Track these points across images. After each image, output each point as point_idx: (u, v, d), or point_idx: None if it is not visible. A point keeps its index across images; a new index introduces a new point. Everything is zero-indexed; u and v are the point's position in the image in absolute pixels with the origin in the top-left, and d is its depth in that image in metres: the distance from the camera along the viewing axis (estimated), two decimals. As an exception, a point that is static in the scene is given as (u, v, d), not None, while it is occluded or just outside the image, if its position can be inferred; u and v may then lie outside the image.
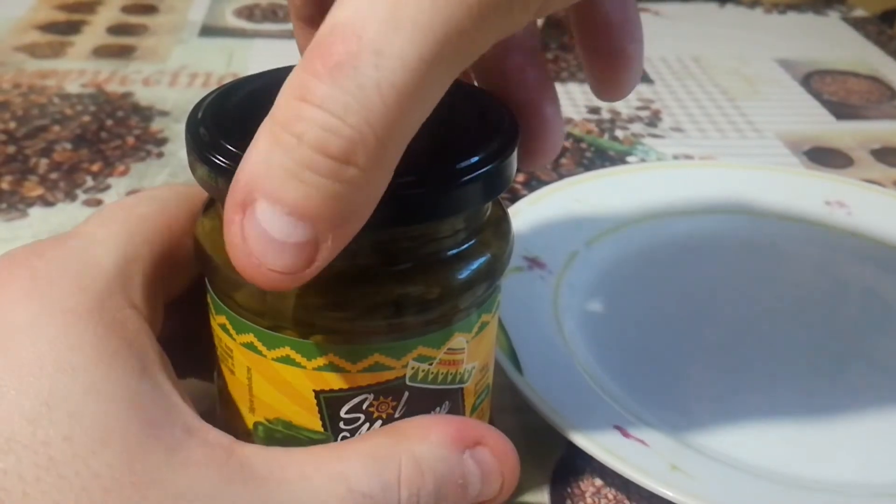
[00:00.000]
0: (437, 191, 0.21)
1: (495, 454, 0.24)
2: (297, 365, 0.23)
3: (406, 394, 0.24)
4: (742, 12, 0.82)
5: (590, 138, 0.57)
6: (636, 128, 0.59)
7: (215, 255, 0.23)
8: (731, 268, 0.44)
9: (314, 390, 0.23)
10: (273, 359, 0.23)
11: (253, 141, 0.18)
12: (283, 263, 0.18)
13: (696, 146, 0.56)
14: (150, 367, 0.21)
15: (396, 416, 0.24)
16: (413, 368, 0.24)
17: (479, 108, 0.25)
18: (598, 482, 0.32)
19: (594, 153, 0.55)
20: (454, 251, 0.24)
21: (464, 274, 0.24)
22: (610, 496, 0.31)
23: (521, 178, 0.51)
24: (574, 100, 0.62)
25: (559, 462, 0.32)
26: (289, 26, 0.69)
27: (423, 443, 0.23)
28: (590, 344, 0.37)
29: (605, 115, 0.60)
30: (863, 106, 0.64)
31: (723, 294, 0.42)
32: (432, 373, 0.24)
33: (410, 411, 0.24)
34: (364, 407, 0.24)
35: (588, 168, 0.52)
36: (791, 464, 0.32)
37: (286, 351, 0.23)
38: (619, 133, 0.58)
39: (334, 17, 0.17)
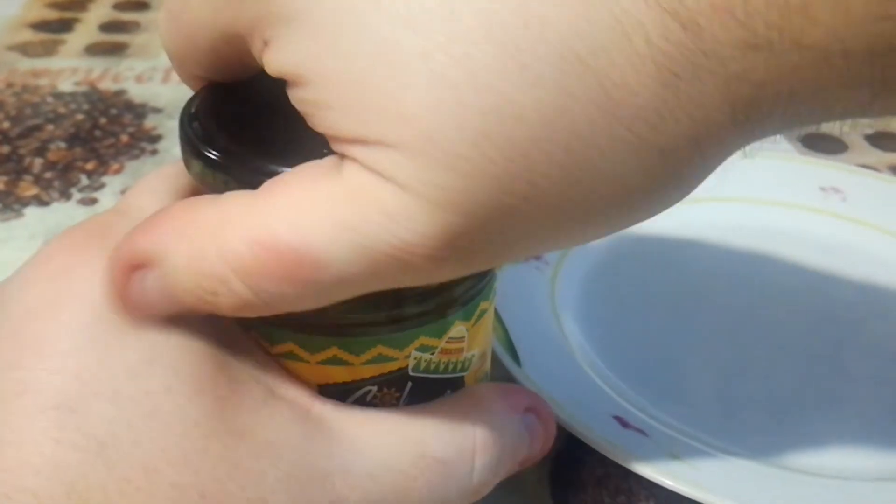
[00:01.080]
0: None
1: (541, 419, 0.26)
2: (300, 360, 0.23)
3: (409, 384, 0.24)
4: None
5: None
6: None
7: None
8: (726, 256, 0.44)
9: (318, 384, 0.23)
10: (276, 354, 0.23)
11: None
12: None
13: (691, 134, 0.56)
14: (232, 330, 0.22)
15: (400, 406, 0.25)
16: (416, 359, 0.24)
17: None
18: (599, 472, 0.32)
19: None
20: None
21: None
22: (611, 486, 0.31)
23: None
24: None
25: (559, 453, 0.33)
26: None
27: (492, 410, 0.24)
28: (587, 334, 0.38)
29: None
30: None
31: (718, 282, 0.42)
32: (434, 362, 0.24)
33: (413, 401, 0.24)
34: (368, 399, 0.24)
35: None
36: (790, 450, 0.32)
37: (290, 346, 0.23)
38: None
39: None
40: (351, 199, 0.17)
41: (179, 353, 0.21)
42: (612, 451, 0.30)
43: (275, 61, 0.19)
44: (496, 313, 0.36)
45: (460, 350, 0.25)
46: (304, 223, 0.18)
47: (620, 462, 0.29)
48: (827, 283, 0.43)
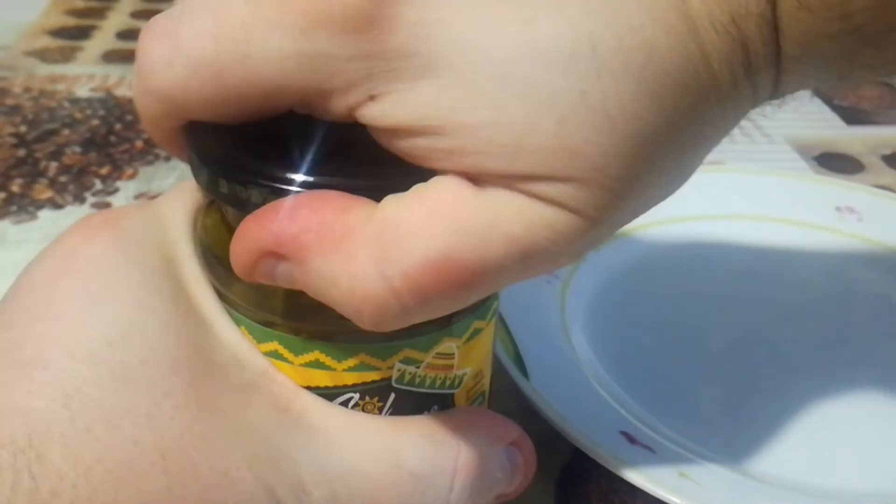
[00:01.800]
0: None
1: (524, 455, 0.26)
2: (285, 360, 0.23)
3: (392, 395, 0.24)
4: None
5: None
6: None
7: (214, 249, 0.24)
8: (739, 273, 0.44)
9: (301, 387, 0.24)
10: (263, 353, 0.23)
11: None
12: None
13: (705, 151, 0.56)
14: (219, 321, 0.23)
15: (383, 417, 0.24)
16: (399, 371, 0.24)
17: None
18: (605, 488, 0.32)
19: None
20: None
21: None
22: (616, 502, 0.31)
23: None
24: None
25: (565, 467, 0.32)
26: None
27: (478, 435, 0.24)
28: (596, 349, 0.37)
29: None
30: (874, 111, 0.63)
31: (731, 300, 0.42)
32: (420, 376, 0.24)
33: (397, 413, 0.24)
34: (350, 406, 0.24)
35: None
36: (799, 471, 0.32)
37: (275, 346, 0.23)
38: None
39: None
40: (518, 220, 0.19)
41: (158, 332, 0.22)
42: (618, 466, 0.29)
43: (391, 115, 0.19)
44: (505, 326, 0.35)
45: (449, 367, 0.25)
46: (474, 243, 0.19)
47: (627, 478, 0.29)
48: (840, 303, 0.42)
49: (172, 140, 0.23)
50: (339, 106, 0.20)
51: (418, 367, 0.24)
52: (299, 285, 0.20)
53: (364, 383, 0.24)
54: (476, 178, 0.19)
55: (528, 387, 0.32)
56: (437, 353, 0.24)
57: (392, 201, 0.20)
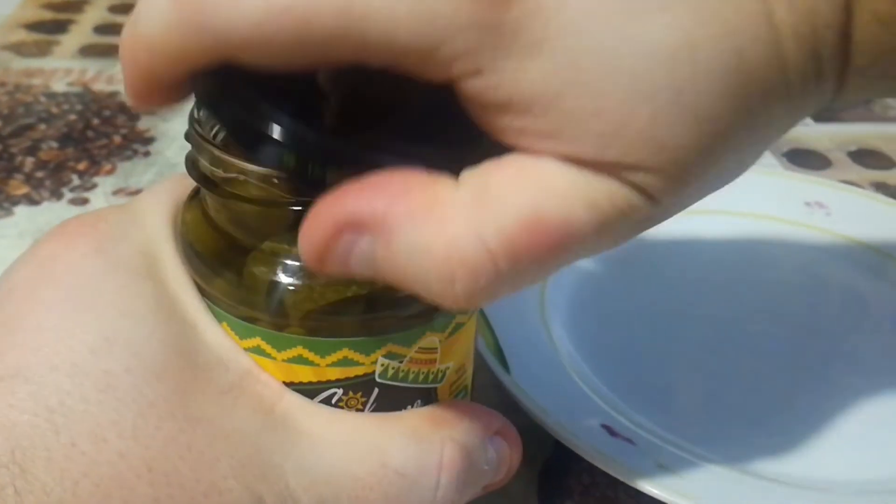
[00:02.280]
0: None
1: (510, 444, 0.26)
2: (268, 356, 0.23)
3: (376, 390, 0.24)
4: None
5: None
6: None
7: (196, 245, 0.24)
8: (713, 267, 0.44)
9: (284, 382, 0.24)
10: (245, 349, 0.23)
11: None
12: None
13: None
14: (202, 321, 0.23)
15: (366, 412, 0.25)
16: (383, 365, 0.24)
17: None
18: (586, 480, 0.32)
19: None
20: None
21: None
22: (597, 494, 0.32)
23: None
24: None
25: (547, 461, 0.33)
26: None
27: (461, 429, 0.24)
28: (576, 343, 0.38)
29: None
30: (840, 109, 0.64)
31: (706, 294, 0.42)
32: (403, 370, 0.24)
33: (381, 408, 0.24)
34: (333, 401, 0.24)
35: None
36: (776, 461, 0.33)
37: (257, 341, 0.23)
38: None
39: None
40: (600, 191, 0.19)
41: (141, 338, 0.21)
42: (599, 459, 0.30)
43: (497, 90, 0.18)
44: (485, 320, 0.36)
45: (432, 361, 0.25)
46: (560, 203, 0.19)
47: (607, 470, 0.30)
48: (811, 295, 0.43)
49: (166, 90, 0.20)
50: (439, 73, 0.18)
51: (401, 362, 0.24)
52: (379, 264, 0.19)
53: (347, 379, 0.24)
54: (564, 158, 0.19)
55: (510, 381, 0.33)
56: (420, 348, 0.24)
57: (478, 170, 0.19)
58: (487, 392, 0.33)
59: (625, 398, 0.35)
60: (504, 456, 0.26)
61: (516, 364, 0.34)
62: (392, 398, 0.25)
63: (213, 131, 0.23)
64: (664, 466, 0.30)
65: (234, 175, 0.22)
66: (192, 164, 0.23)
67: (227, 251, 0.23)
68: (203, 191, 0.24)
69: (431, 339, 0.25)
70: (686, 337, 0.40)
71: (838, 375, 0.38)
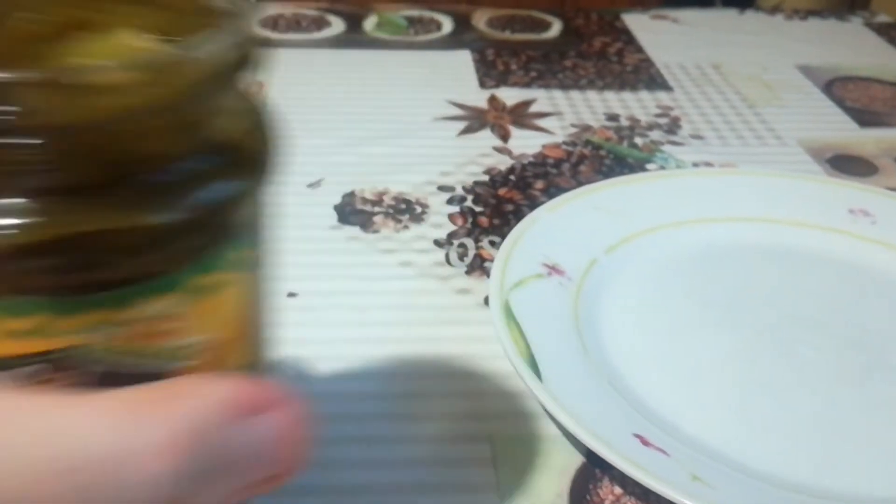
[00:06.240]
0: None
1: (289, 426, 0.20)
2: None
3: (89, 369, 0.19)
4: (762, 19, 0.82)
5: (609, 145, 0.57)
6: (655, 135, 0.58)
7: None
8: (752, 276, 0.44)
9: None
10: None
11: None
12: None
13: (716, 154, 0.56)
14: None
15: (69, 395, 0.18)
16: (92, 338, 0.19)
17: None
18: (618, 491, 0.31)
19: (613, 160, 0.55)
20: (156, 177, 0.18)
21: (157, 212, 0.18)
22: (629, 505, 0.31)
23: (540, 185, 0.51)
24: (592, 107, 0.62)
25: (578, 470, 0.32)
26: (312, 36, 0.69)
27: (199, 406, 0.19)
28: (609, 351, 0.37)
29: (624, 123, 0.60)
30: (886, 113, 0.63)
31: (744, 303, 0.42)
32: (123, 345, 0.19)
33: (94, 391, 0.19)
34: (38, 381, 0.19)
35: (607, 175, 0.52)
36: (813, 475, 0.32)
37: None
38: (638, 140, 0.57)
39: None
40: None
41: None
42: (631, 469, 0.29)
43: None
44: (519, 329, 0.35)
45: (171, 332, 0.20)
46: None
47: (640, 481, 0.29)
48: (853, 306, 0.42)
49: None
50: None
51: (117, 331, 0.19)
52: None
53: (48, 352, 0.19)
54: None
55: (541, 388, 0.32)
56: (146, 316, 0.19)
57: None
58: (522, 400, 0.33)
59: (658, 408, 0.34)
60: (270, 439, 0.20)
61: (548, 372, 0.34)
62: (112, 380, 0.19)
63: None
64: (698, 478, 0.30)
65: None
66: None
67: None
68: None
69: (165, 303, 0.19)
70: (723, 346, 0.39)
71: (881, 388, 0.37)
